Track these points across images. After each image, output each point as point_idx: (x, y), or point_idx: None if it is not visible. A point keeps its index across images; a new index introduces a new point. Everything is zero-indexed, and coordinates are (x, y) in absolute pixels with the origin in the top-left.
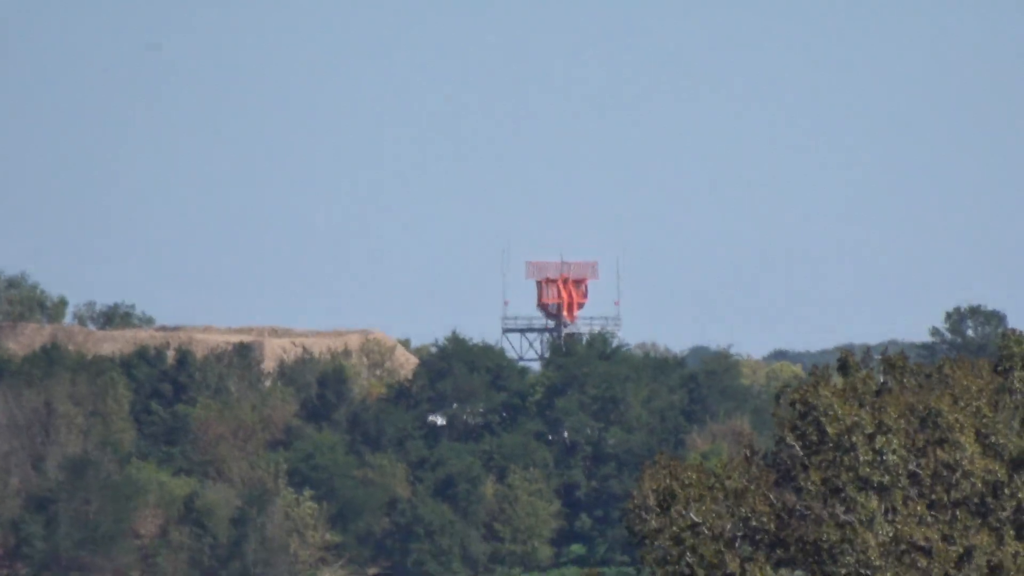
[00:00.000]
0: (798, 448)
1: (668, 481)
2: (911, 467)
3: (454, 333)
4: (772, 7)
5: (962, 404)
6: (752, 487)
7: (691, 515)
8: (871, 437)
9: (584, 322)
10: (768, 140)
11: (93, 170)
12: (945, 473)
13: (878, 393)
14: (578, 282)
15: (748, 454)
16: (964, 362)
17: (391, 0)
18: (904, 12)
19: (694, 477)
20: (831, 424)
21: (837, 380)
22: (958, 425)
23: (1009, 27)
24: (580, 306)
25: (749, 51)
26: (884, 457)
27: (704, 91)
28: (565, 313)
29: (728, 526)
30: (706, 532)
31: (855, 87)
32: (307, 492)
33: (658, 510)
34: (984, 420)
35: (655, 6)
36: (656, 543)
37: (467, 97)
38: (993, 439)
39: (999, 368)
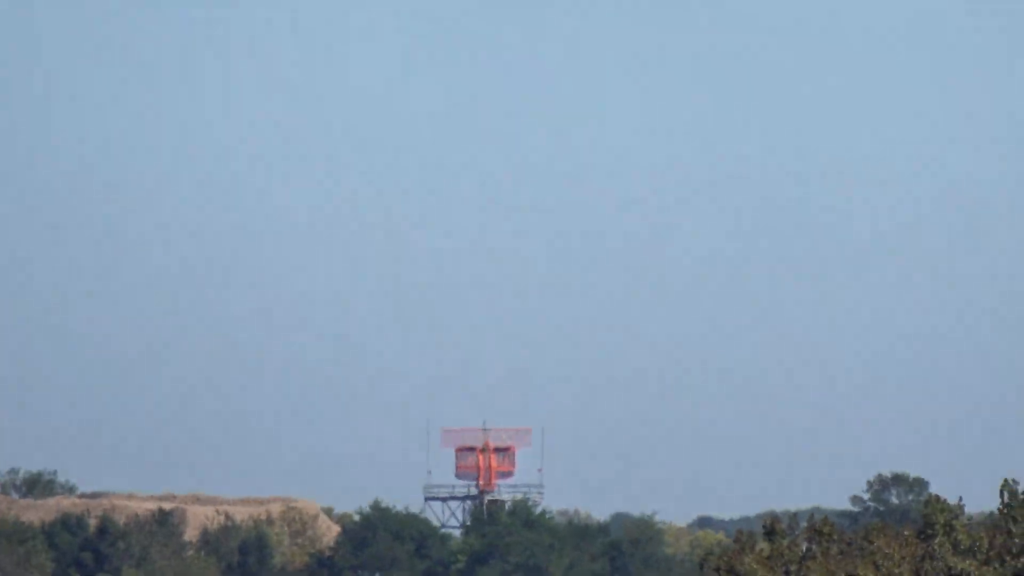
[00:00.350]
0: None
1: None
2: None
3: (376, 501)
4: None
5: (883, 572)
6: None
7: None
8: None
9: (507, 489)
10: (689, 299)
11: (7, 337)
12: None
13: (802, 560)
14: (503, 450)
15: None
16: (888, 529)
17: None
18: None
19: None
20: None
21: (763, 546)
22: None
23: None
24: (506, 474)
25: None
26: None
27: (615, 273)
28: (482, 482)
29: None
30: None
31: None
32: None
33: None
34: None
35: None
36: None
37: (400, 246)
38: None
39: (923, 535)
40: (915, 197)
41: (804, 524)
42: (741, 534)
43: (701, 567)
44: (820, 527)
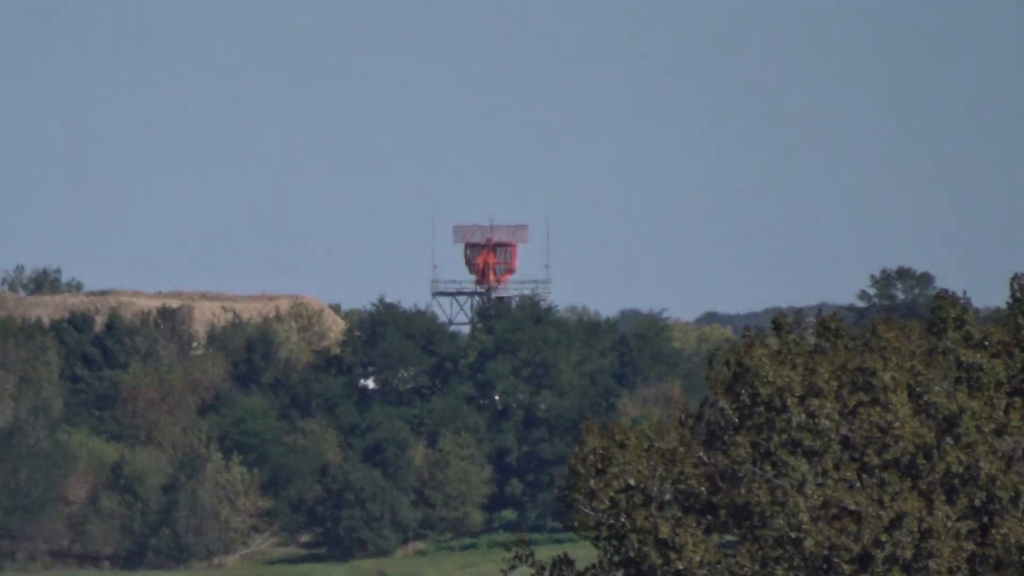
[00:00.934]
0: (729, 410)
1: (606, 442)
2: (843, 431)
3: (381, 299)
4: None
5: (893, 364)
6: (683, 449)
7: (627, 478)
8: (802, 399)
9: (514, 285)
10: (697, 101)
11: (18, 137)
12: (877, 435)
13: (811, 355)
14: (507, 245)
15: (682, 417)
16: (896, 323)
17: None
18: None
19: (632, 439)
20: (763, 386)
21: (772, 342)
22: (892, 384)
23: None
24: (509, 270)
25: (672, 17)
26: (816, 420)
27: (632, 54)
28: (491, 276)
29: (656, 489)
30: (639, 496)
31: (778, 50)
32: (236, 458)
33: (595, 472)
34: (919, 378)
35: None
36: (592, 506)
37: (396, 65)
38: (927, 398)
39: (932, 329)
40: None
41: (811, 319)
42: (748, 330)
43: (710, 363)
44: (828, 322)
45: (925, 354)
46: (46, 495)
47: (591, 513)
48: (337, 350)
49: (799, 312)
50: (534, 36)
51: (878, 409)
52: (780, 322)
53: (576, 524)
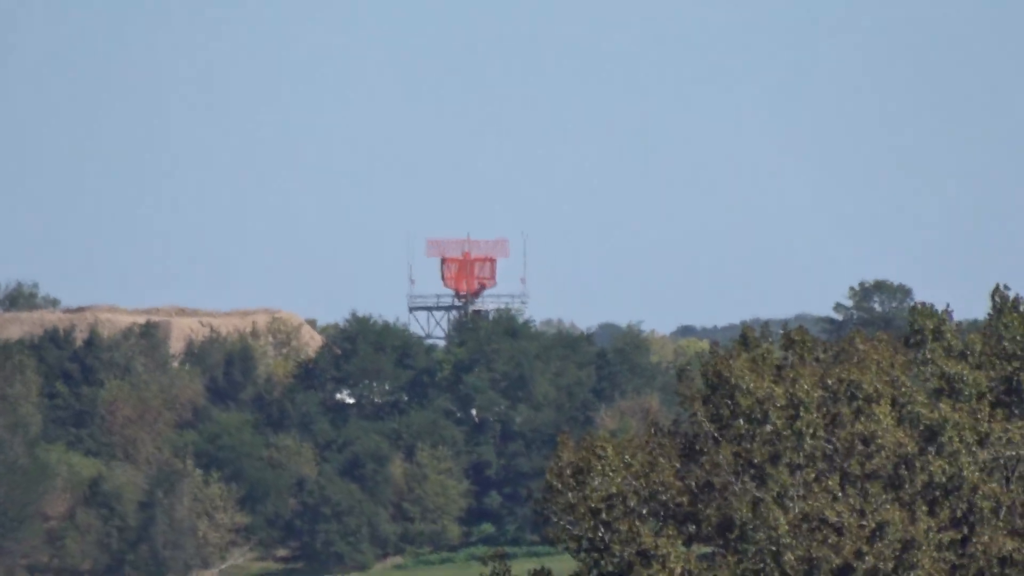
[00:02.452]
0: (707, 422)
1: (584, 454)
2: (825, 444)
3: (354, 313)
4: None
5: (872, 373)
6: (662, 460)
7: (607, 488)
8: (784, 410)
9: (491, 299)
10: (674, 111)
11: None
12: (860, 446)
13: (779, 368)
14: (485, 260)
15: (653, 430)
16: (872, 336)
17: None
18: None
19: (609, 451)
20: (743, 397)
21: (741, 357)
22: (876, 394)
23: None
24: (486, 284)
25: (645, 29)
26: (800, 432)
27: (608, 68)
28: (468, 290)
29: (634, 502)
30: (620, 507)
31: (755, 62)
32: (215, 473)
33: (573, 484)
34: (902, 388)
35: None
36: (570, 519)
37: (373, 80)
38: (909, 408)
39: (910, 342)
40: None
41: (779, 332)
42: (716, 346)
43: (680, 376)
44: (794, 335)
45: (905, 365)
46: (24, 511)
47: (568, 526)
48: (313, 365)
49: (766, 325)
50: (511, 51)
51: (861, 419)
52: (748, 336)
53: (553, 537)
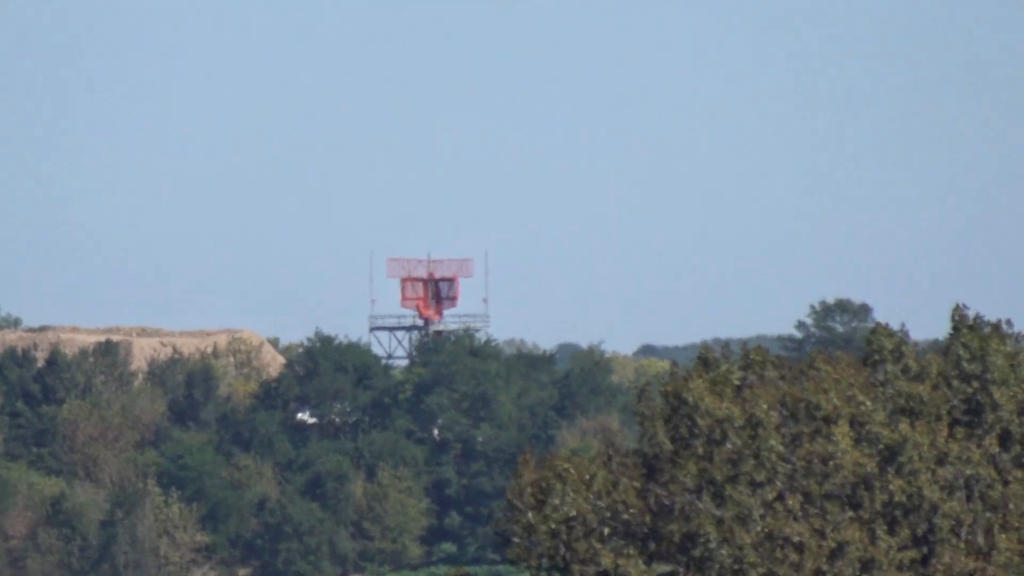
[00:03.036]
0: (667, 442)
1: (545, 473)
2: (784, 463)
3: (317, 332)
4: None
5: (836, 393)
6: (626, 480)
7: (567, 509)
8: (743, 430)
9: (453, 319)
10: (634, 132)
11: None
12: (818, 466)
13: (739, 388)
14: (448, 280)
15: (611, 452)
16: (832, 355)
17: None
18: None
19: (571, 470)
20: (702, 418)
21: (699, 379)
22: (835, 414)
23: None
24: (449, 304)
25: (609, 40)
26: (760, 452)
27: (571, 81)
28: (428, 311)
29: (595, 522)
30: (580, 527)
31: (724, 77)
32: (175, 493)
33: (534, 503)
34: (861, 407)
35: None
36: (532, 539)
37: (334, 97)
38: (868, 428)
39: (868, 361)
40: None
41: (738, 352)
42: (675, 367)
43: (639, 397)
44: (753, 355)
45: (865, 385)
46: None
47: (529, 546)
48: (275, 385)
49: (726, 345)
50: (473, 71)
51: (820, 439)
52: (707, 357)
53: (514, 557)
